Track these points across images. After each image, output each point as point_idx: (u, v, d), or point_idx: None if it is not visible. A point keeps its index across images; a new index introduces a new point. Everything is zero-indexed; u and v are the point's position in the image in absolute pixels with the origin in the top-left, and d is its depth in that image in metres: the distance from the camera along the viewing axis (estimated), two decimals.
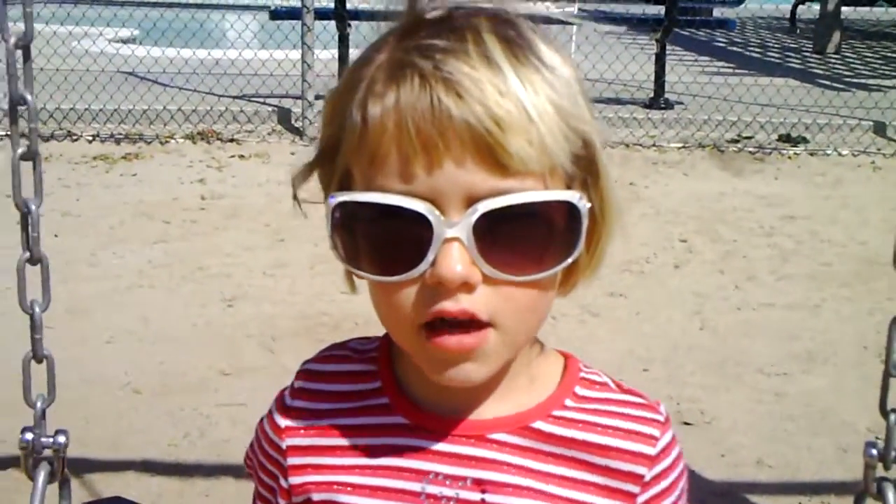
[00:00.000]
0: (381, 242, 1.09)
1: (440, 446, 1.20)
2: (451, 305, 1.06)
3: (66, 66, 9.37)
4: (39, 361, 1.70)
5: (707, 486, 3.61)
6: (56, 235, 6.17)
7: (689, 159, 8.50)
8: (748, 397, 4.38)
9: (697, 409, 4.20)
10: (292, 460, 1.26)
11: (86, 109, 8.88)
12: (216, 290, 5.49)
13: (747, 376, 4.55)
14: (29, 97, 1.60)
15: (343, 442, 1.23)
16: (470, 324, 1.07)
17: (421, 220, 1.04)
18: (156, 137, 8.69)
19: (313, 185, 1.22)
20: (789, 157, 8.69)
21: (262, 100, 9.57)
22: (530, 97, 1.04)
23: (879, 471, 1.72)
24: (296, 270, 5.76)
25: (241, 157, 8.27)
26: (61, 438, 1.65)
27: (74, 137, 8.64)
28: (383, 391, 1.24)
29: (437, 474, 1.19)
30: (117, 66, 9.89)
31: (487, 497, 1.18)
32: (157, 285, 5.56)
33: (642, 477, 1.19)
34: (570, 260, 1.10)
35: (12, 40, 1.57)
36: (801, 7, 16.68)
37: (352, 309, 5.16)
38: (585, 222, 1.09)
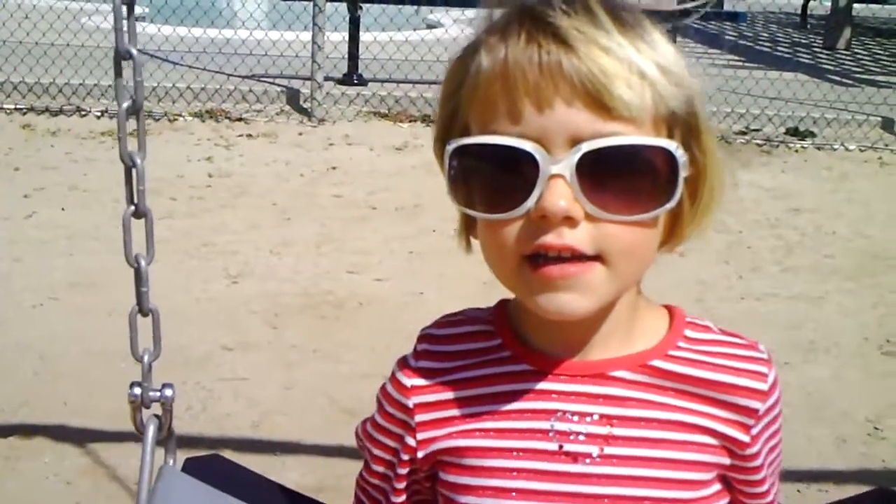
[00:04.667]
0: (492, 181, 1.18)
1: (565, 387, 1.28)
2: (554, 239, 1.14)
3: (76, 42, 9.35)
4: (145, 315, 1.73)
5: None
6: (63, 209, 6.19)
7: None
8: None
9: None
10: (420, 417, 1.33)
11: (95, 85, 8.89)
12: (221, 266, 5.50)
13: None
14: (134, 51, 1.63)
15: (469, 393, 1.31)
16: (572, 258, 1.15)
17: (529, 159, 1.14)
18: (164, 115, 8.70)
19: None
20: (796, 151, 8.68)
21: (271, 80, 9.57)
22: (634, 54, 1.15)
23: None
24: (301, 249, 5.78)
25: (249, 136, 8.27)
26: (168, 392, 1.68)
27: (83, 113, 8.65)
28: (504, 346, 1.32)
29: (564, 412, 1.27)
30: None
31: (615, 430, 1.26)
32: (162, 260, 5.50)
33: (757, 411, 1.31)
34: (667, 206, 1.18)
35: None
36: (811, 3, 16.64)
37: (356, 288, 5.18)
38: (683, 172, 1.18)
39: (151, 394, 1.68)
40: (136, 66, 1.63)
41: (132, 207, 1.66)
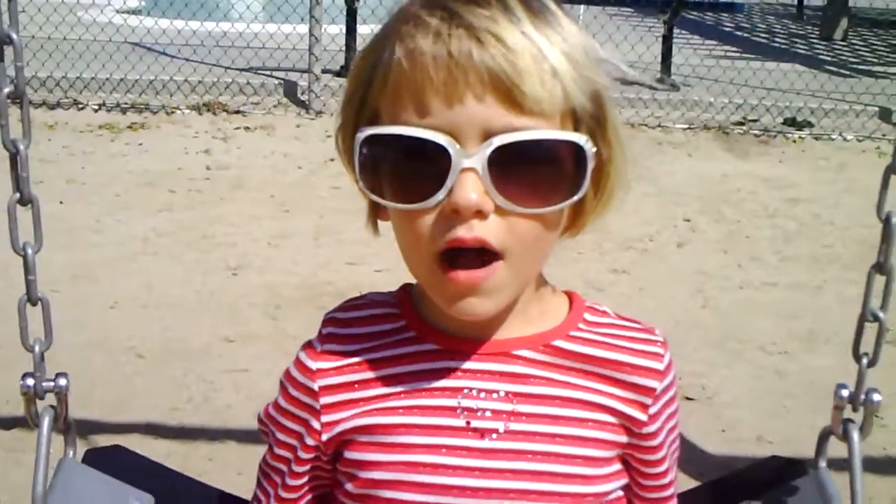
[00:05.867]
0: (404, 173, 1.19)
1: (471, 365, 1.31)
2: (465, 233, 1.16)
3: (73, 35, 9.32)
4: (34, 304, 1.66)
5: (707, 459, 3.62)
6: (61, 202, 6.18)
7: (694, 140, 8.50)
8: (749, 374, 4.39)
9: (699, 384, 4.21)
10: (326, 399, 1.34)
11: (92, 79, 8.88)
12: (220, 258, 5.50)
13: (748, 353, 4.56)
14: (14, 35, 1.58)
15: (376, 374, 1.33)
16: (481, 254, 1.17)
17: (441, 151, 1.15)
18: (161, 108, 8.69)
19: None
20: (794, 141, 8.69)
21: (268, 72, 9.55)
22: (545, 47, 1.16)
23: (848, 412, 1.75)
24: (300, 241, 5.78)
25: (247, 128, 8.27)
26: (62, 381, 1.62)
27: (80, 106, 8.63)
28: (409, 327, 1.34)
29: (471, 389, 1.30)
30: (124, 36, 9.87)
31: (518, 407, 1.29)
32: (162, 253, 5.57)
33: (654, 390, 1.34)
34: (574, 198, 1.21)
35: None
36: None
37: (355, 279, 5.18)
38: (591, 164, 1.20)
39: (45, 384, 1.62)
40: (17, 51, 1.59)
41: (17, 195, 1.61)
